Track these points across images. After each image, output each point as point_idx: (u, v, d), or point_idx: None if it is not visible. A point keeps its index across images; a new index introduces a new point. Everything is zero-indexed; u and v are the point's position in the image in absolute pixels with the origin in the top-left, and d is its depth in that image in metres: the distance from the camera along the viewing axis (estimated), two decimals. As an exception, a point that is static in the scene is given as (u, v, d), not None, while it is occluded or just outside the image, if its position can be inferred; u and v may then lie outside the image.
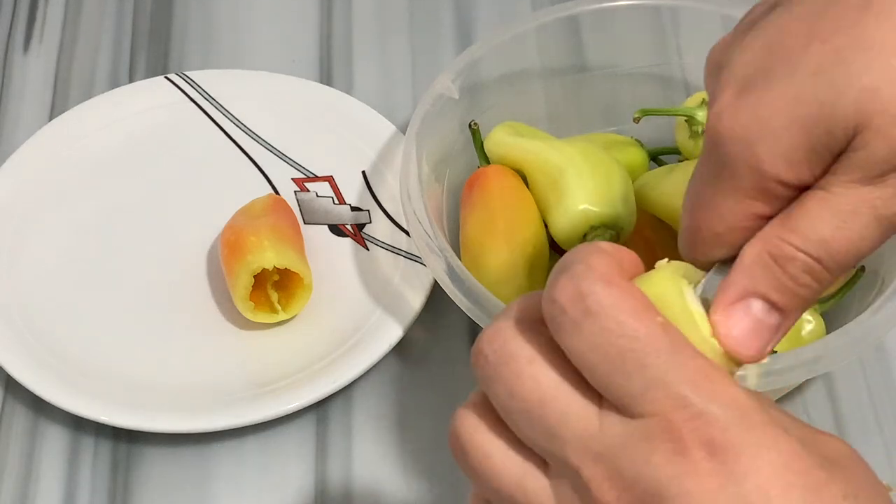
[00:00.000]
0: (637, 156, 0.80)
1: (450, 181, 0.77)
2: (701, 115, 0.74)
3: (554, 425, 0.43)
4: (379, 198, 0.82)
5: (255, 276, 0.74)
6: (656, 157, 0.81)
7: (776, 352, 0.68)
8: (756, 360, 0.45)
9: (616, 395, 0.42)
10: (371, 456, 0.73)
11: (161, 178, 0.84)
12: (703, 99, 0.74)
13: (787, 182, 0.46)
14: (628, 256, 0.45)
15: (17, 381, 0.73)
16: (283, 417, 0.72)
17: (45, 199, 0.82)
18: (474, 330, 0.77)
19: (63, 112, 0.86)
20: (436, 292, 0.74)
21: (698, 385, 0.41)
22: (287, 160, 0.85)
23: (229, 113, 0.86)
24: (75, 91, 0.90)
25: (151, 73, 0.90)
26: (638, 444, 0.41)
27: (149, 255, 0.80)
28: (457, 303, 0.68)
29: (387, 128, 0.84)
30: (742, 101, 0.46)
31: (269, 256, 0.74)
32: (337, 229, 0.81)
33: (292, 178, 0.84)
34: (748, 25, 0.49)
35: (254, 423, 0.72)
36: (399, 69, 0.91)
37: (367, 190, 0.83)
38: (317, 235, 0.81)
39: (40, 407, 0.74)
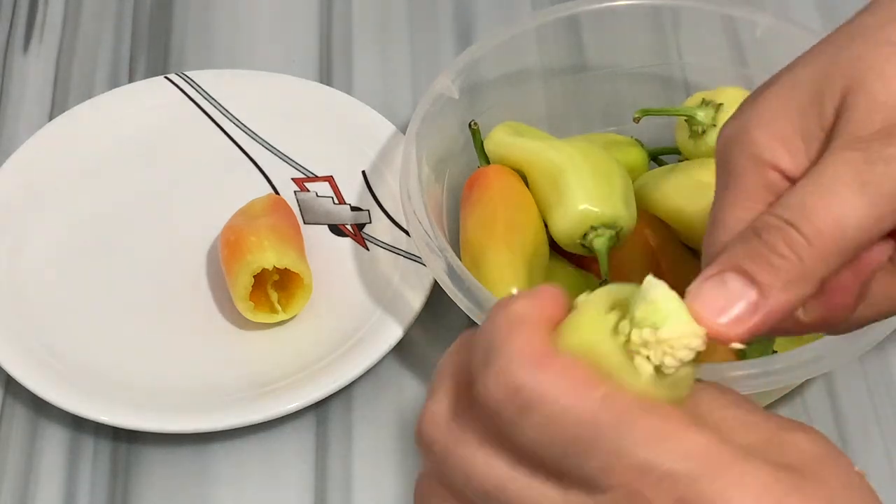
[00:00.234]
0: (637, 156, 0.80)
1: (450, 181, 0.77)
2: (701, 115, 0.74)
3: None
4: (379, 198, 0.82)
5: (255, 276, 0.74)
6: (656, 157, 0.81)
7: (776, 351, 0.68)
8: (736, 339, 0.43)
9: (576, 476, 0.41)
10: (371, 456, 0.73)
11: (161, 177, 0.84)
12: (703, 99, 0.74)
13: (787, 171, 0.45)
14: (550, 302, 0.43)
15: (17, 381, 0.73)
16: (283, 417, 0.72)
17: (45, 199, 0.82)
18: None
19: (63, 112, 0.86)
20: (436, 292, 0.74)
21: (655, 446, 0.40)
22: (287, 160, 0.85)
23: (229, 113, 0.86)
24: (75, 91, 0.90)
25: (151, 73, 0.90)
26: None
27: (149, 254, 0.80)
28: (457, 303, 0.68)
29: (387, 128, 0.84)
30: (744, 105, 0.47)
31: (269, 256, 0.74)
32: (337, 229, 0.81)
33: (292, 178, 0.84)
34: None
35: (254, 423, 0.72)
36: (399, 69, 0.91)
37: (367, 190, 0.83)
38: (317, 235, 0.81)
39: (40, 407, 0.74)
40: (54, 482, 0.72)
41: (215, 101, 0.87)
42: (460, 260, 0.70)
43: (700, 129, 0.74)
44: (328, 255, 0.80)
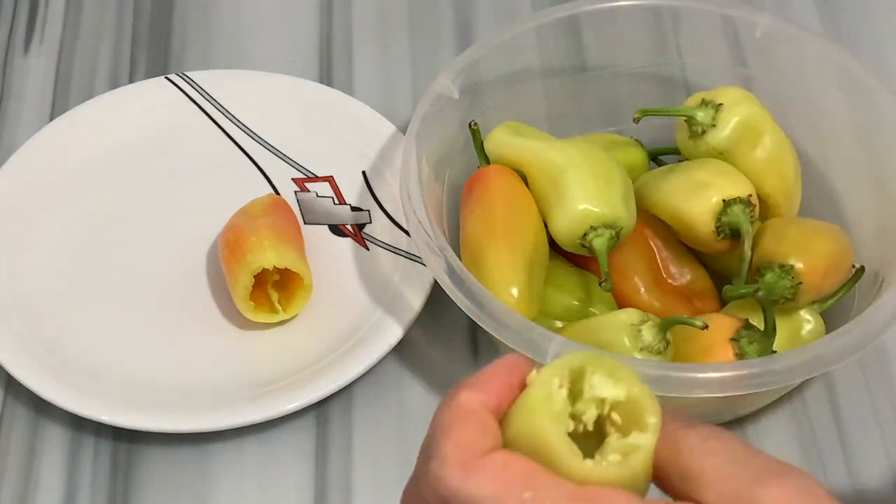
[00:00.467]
0: (637, 156, 0.80)
1: (450, 181, 0.77)
2: (701, 115, 0.74)
3: None
4: (379, 198, 0.82)
5: (255, 276, 0.74)
6: (656, 157, 0.81)
7: (776, 351, 0.68)
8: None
9: None
10: (371, 456, 0.73)
11: (161, 178, 0.84)
12: (703, 99, 0.74)
13: None
14: (496, 388, 0.44)
15: (17, 381, 0.73)
16: (283, 417, 0.72)
17: (45, 200, 0.82)
18: (474, 330, 0.77)
19: (63, 112, 0.86)
20: (436, 292, 0.74)
21: None
22: (287, 160, 0.85)
23: (229, 113, 0.86)
24: (76, 91, 0.90)
25: (151, 73, 0.90)
26: None
27: (149, 254, 0.80)
28: (457, 303, 0.68)
29: (387, 128, 0.84)
30: None
31: (270, 256, 0.74)
32: (337, 229, 0.81)
33: (292, 178, 0.84)
34: None
35: (254, 423, 0.72)
36: (399, 69, 0.91)
37: (367, 190, 0.83)
38: (317, 235, 0.81)
39: (40, 407, 0.74)
40: (54, 482, 0.72)
41: (215, 101, 0.87)
42: (460, 260, 0.70)
43: (700, 129, 0.74)
44: (328, 255, 0.80)
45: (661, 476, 0.44)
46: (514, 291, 0.70)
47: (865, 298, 0.70)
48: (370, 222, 0.81)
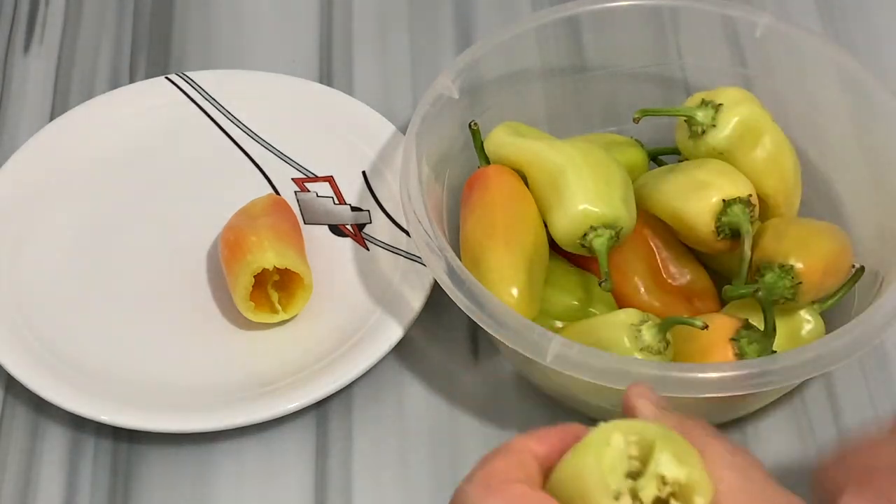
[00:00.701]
0: (637, 156, 0.80)
1: (450, 181, 0.77)
2: (701, 115, 0.74)
3: None
4: (379, 198, 0.82)
5: (255, 276, 0.74)
6: (656, 157, 0.81)
7: (776, 351, 0.68)
8: None
9: None
10: (371, 456, 0.73)
11: (161, 178, 0.84)
12: (703, 99, 0.74)
13: None
14: (547, 442, 0.46)
15: (17, 381, 0.73)
16: (283, 417, 0.72)
17: (45, 200, 0.82)
18: (474, 330, 0.77)
19: (63, 113, 0.86)
20: (436, 292, 0.74)
21: None
22: (287, 160, 0.85)
23: (229, 113, 0.86)
24: (76, 92, 0.90)
25: (152, 73, 0.90)
26: None
27: (149, 254, 0.80)
28: (457, 303, 0.68)
29: (387, 128, 0.84)
30: None
31: (270, 256, 0.74)
32: (337, 229, 0.81)
33: (292, 178, 0.84)
34: None
35: (254, 423, 0.72)
36: (399, 69, 0.91)
37: (367, 190, 0.83)
38: (317, 235, 0.81)
39: (40, 407, 0.74)
40: (55, 482, 0.72)
41: (216, 101, 0.87)
42: (460, 260, 0.70)
43: (700, 130, 0.74)
44: (328, 255, 0.80)
45: None
46: (514, 291, 0.70)
47: (865, 298, 0.70)
48: (370, 222, 0.81)
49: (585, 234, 0.71)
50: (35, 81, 0.90)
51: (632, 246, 0.74)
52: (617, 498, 0.44)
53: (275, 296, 0.76)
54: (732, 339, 0.68)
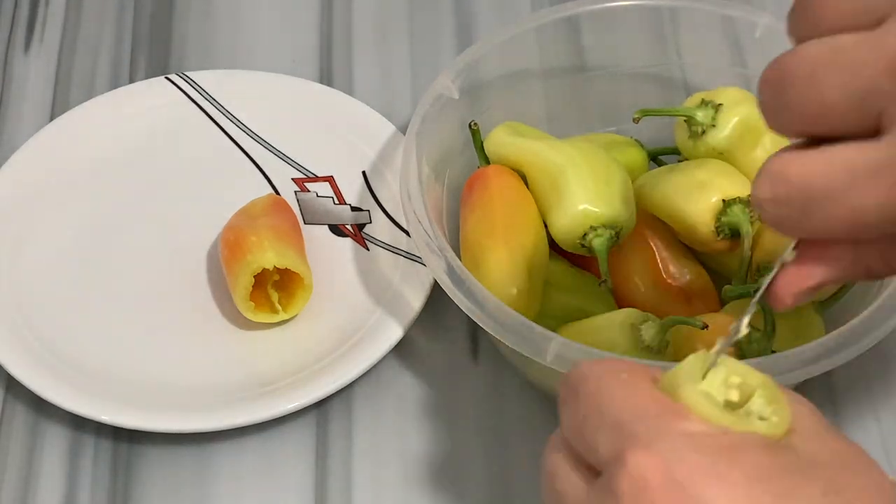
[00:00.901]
0: (637, 156, 0.80)
1: (450, 181, 0.77)
2: (700, 115, 0.74)
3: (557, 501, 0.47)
4: (379, 198, 0.82)
5: (255, 276, 0.74)
6: (656, 157, 0.81)
7: (775, 352, 0.68)
8: None
9: (593, 456, 0.45)
10: (371, 456, 0.73)
11: (161, 178, 0.84)
12: (703, 99, 0.74)
13: None
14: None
15: (17, 381, 0.73)
16: (283, 417, 0.72)
17: (45, 200, 0.82)
18: (474, 330, 0.77)
19: (63, 112, 0.86)
20: (436, 292, 0.74)
21: (651, 420, 0.44)
22: (287, 160, 0.85)
23: (229, 113, 0.86)
24: (76, 91, 0.90)
25: (152, 73, 0.90)
26: (604, 495, 0.44)
27: (149, 254, 0.80)
28: (457, 303, 0.68)
29: (387, 128, 0.84)
30: None
31: (270, 256, 0.74)
32: (337, 229, 0.81)
33: (292, 178, 0.84)
34: None
35: (254, 423, 0.72)
36: (399, 69, 0.91)
37: (367, 190, 0.83)
38: (317, 235, 0.81)
39: (40, 407, 0.74)
40: (54, 482, 0.72)
41: (216, 101, 0.87)
42: (460, 260, 0.70)
43: (700, 130, 0.74)
44: (328, 255, 0.80)
45: None
46: (514, 291, 0.70)
47: (865, 298, 0.70)
48: (370, 222, 0.81)
49: (585, 234, 0.71)
50: (35, 81, 0.90)
51: (632, 246, 0.74)
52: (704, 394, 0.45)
53: (275, 296, 0.76)
54: (732, 339, 0.67)
